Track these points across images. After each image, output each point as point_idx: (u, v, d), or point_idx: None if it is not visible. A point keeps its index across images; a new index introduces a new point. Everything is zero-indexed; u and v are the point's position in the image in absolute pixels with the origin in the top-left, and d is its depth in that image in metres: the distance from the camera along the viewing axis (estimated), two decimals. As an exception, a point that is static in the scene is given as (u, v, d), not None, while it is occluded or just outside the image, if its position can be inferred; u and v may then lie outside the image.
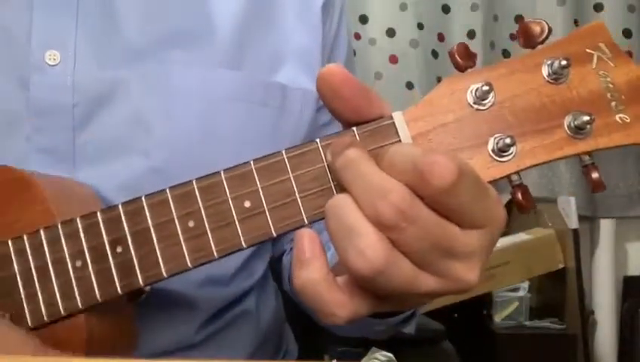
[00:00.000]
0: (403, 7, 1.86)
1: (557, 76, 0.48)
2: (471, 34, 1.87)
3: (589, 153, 0.48)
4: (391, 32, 1.87)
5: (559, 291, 1.78)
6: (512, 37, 1.90)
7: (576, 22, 1.88)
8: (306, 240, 0.44)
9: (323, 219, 0.45)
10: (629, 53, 1.75)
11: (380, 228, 0.42)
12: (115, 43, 0.65)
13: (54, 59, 0.62)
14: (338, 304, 0.43)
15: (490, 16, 1.89)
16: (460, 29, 1.87)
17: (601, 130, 0.47)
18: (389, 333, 0.71)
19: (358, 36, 1.86)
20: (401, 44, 1.87)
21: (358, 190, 0.43)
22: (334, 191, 0.47)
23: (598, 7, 1.89)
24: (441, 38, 1.89)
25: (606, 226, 1.95)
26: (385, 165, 0.43)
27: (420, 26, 1.87)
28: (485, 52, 1.87)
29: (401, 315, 0.65)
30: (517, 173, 0.47)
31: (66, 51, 0.63)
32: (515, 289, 1.76)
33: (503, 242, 1.68)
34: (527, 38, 0.48)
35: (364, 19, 1.87)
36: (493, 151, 0.47)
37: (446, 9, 1.89)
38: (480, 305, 1.76)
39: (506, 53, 1.90)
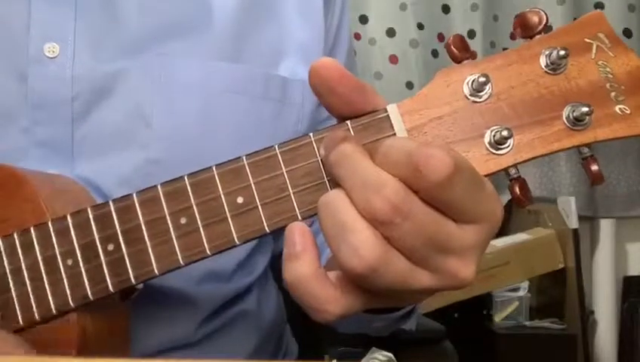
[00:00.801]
0: (403, 7, 1.86)
1: (555, 66, 0.47)
2: (471, 34, 1.87)
3: (588, 145, 0.47)
4: (391, 32, 1.87)
5: (559, 291, 1.78)
6: (512, 37, 1.90)
7: (575, 21, 1.88)
8: (297, 233, 0.43)
9: (317, 214, 0.44)
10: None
11: (374, 224, 0.41)
12: (114, 35, 0.64)
13: (53, 52, 0.62)
14: (329, 299, 0.43)
15: (490, 16, 1.89)
16: (460, 29, 1.87)
17: (600, 122, 0.46)
18: (390, 330, 0.70)
19: (358, 36, 1.86)
20: (401, 44, 1.87)
21: (351, 185, 0.42)
22: (328, 187, 0.46)
23: (598, 7, 1.89)
24: (441, 38, 1.89)
25: (606, 226, 1.95)
26: (379, 159, 0.42)
27: (420, 26, 1.87)
28: (485, 52, 1.87)
29: (400, 311, 0.64)
30: (514, 166, 0.46)
31: (65, 43, 0.62)
32: (515, 289, 1.76)
33: (503, 242, 1.68)
34: (525, 29, 0.47)
35: (364, 19, 1.87)
36: (490, 143, 0.46)
37: (446, 9, 1.89)
38: (480, 305, 1.75)
39: (506, 53, 1.90)
